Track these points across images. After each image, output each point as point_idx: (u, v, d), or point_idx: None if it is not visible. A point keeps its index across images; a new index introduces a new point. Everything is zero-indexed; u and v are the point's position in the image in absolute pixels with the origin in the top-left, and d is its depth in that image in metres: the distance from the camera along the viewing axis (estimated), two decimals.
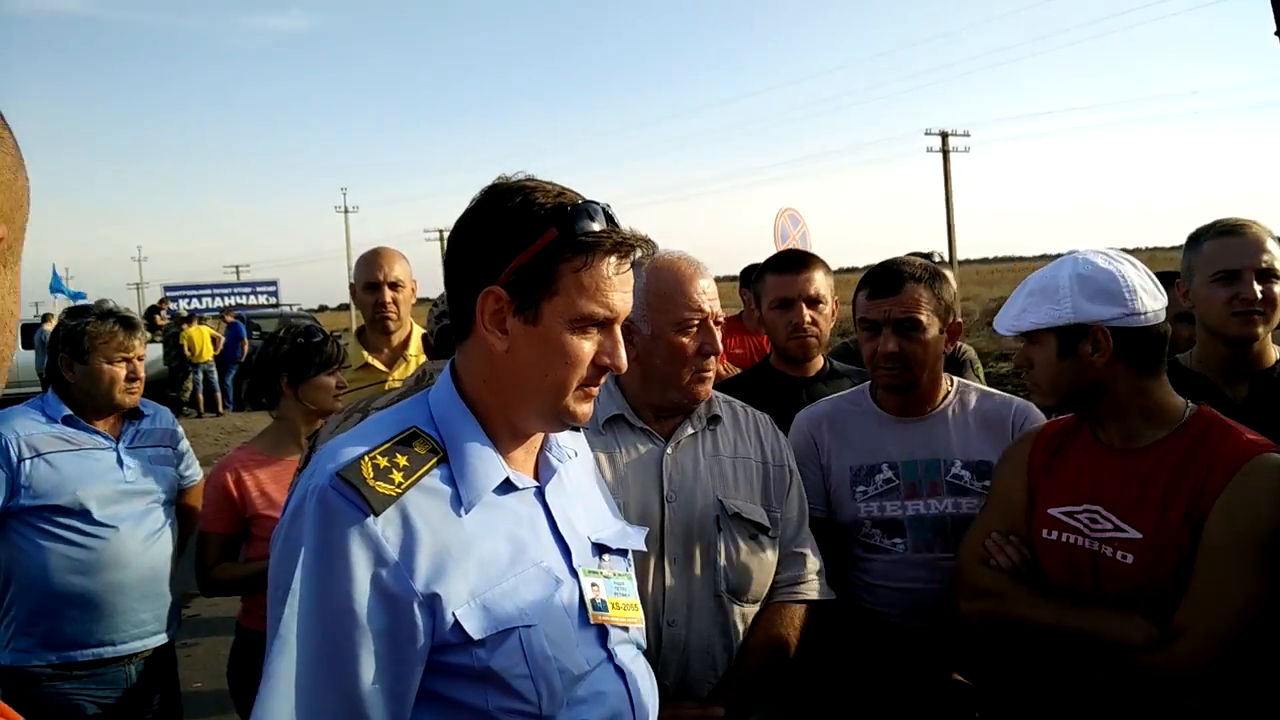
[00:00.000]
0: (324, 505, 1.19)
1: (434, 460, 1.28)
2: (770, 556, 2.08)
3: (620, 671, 1.38)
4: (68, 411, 2.82)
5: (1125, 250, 1.91)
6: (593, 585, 1.37)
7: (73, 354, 2.82)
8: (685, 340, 2.01)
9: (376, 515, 1.18)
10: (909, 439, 2.30)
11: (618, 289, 1.32)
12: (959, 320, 2.37)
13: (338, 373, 3.03)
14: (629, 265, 1.33)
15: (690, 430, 2.10)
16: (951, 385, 2.40)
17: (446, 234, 1.38)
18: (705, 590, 2.00)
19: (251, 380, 3.06)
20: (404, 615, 1.18)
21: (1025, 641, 1.91)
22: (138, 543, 2.80)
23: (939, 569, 2.20)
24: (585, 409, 1.35)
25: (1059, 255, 2.00)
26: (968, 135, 34.03)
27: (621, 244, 1.30)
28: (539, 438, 1.42)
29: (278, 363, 3.00)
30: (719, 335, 2.05)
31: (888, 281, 2.28)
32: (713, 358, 2.03)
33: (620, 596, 1.41)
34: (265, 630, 1.19)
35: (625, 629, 1.41)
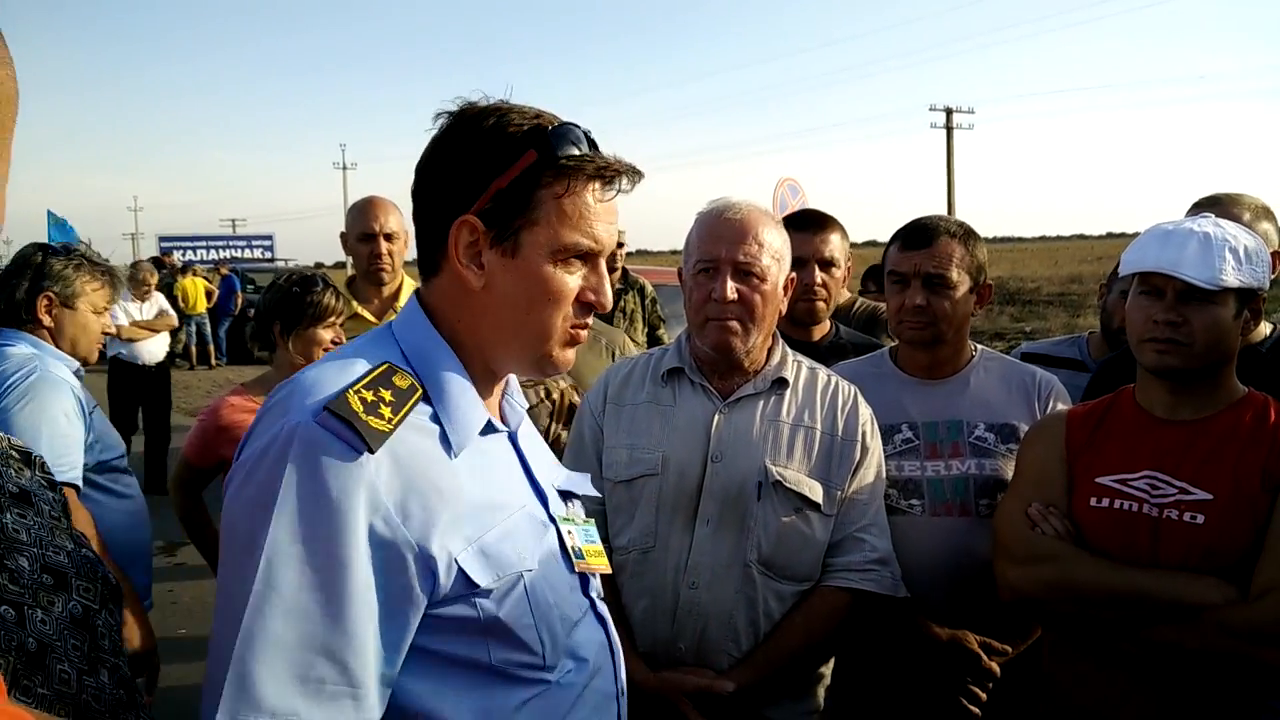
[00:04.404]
0: (310, 443, 1.06)
1: (416, 396, 1.16)
2: (818, 534, 1.97)
3: (601, 620, 1.34)
4: (77, 363, 2.67)
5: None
6: (569, 532, 1.31)
7: (59, 296, 2.63)
8: (699, 284, 1.97)
9: (372, 453, 1.06)
10: (930, 400, 2.25)
11: (602, 219, 1.22)
12: (989, 282, 2.34)
13: (335, 326, 2.93)
14: (614, 194, 1.24)
15: (750, 391, 2.02)
16: (975, 351, 2.35)
17: None
18: (734, 557, 1.92)
19: (255, 325, 3.02)
20: (401, 566, 1.08)
21: (1075, 609, 1.87)
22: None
23: (953, 532, 2.15)
24: (569, 355, 1.27)
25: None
26: (972, 112, 33.90)
27: (605, 169, 1.21)
28: (503, 381, 1.34)
29: (271, 310, 2.94)
30: (744, 285, 1.94)
31: (920, 235, 2.24)
32: (729, 305, 1.93)
33: (590, 544, 1.36)
34: None
35: (596, 576, 1.36)
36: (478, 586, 1.12)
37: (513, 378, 1.37)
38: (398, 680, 1.11)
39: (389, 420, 1.10)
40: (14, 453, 1.29)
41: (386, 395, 1.13)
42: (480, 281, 1.20)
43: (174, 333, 18.61)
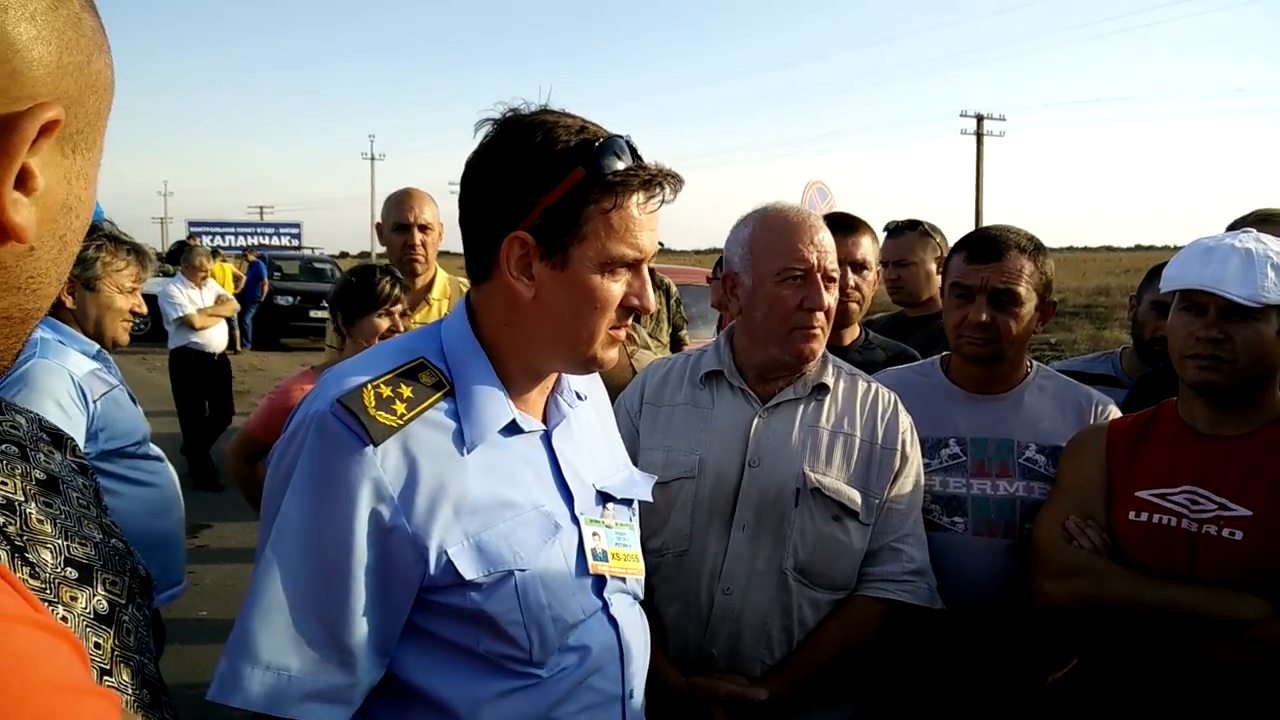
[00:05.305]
0: (323, 431, 1.17)
1: (440, 394, 1.24)
2: (855, 543, 1.93)
3: (613, 622, 1.36)
4: (98, 346, 2.63)
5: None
6: (594, 534, 1.35)
7: (80, 279, 2.59)
8: (786, 292, 1.91)
9: (375, 446, 1.16)
10: (981, 416, 2.17)
11: (646, 228, 1.27)
12: (1054, 299, 2.23)
13: (393, 314, 2.98)
14: (658, 204, 1.27)
15: (790, 396, 1.98)
16: (1031, 367, 2.26)
17: None
18: (769, 564, 1.90)
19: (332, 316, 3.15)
20: (396, 550, 1.17)
21: (1110, 623, 1.85)
22: (176, 480, 2.73)
23: (995, 554, 2.08)
24: (612, 354, 1.32)
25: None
26: (1003, 119, 33.63)
27: (650, 181, 1.25)
28: (552, 379, 1.39)
29: (334, 300, 3.08)
30: (828, 292, 1.93)
31: (989, 248, 2.13)
32: (819, 314, 1.91)
33: (621, 547, 1.39)
34: None
35: (623, 579, 1.39)
36: (465, 579, 1.19)
37: (566, 376, 1.41)
38: (397, 654, 1.21)
39: (400, 416, 1.19)
40: (44, 435, 1.28)
41: (406, 391, 1.21)
42: (531, 292, 1.25)
43: None
